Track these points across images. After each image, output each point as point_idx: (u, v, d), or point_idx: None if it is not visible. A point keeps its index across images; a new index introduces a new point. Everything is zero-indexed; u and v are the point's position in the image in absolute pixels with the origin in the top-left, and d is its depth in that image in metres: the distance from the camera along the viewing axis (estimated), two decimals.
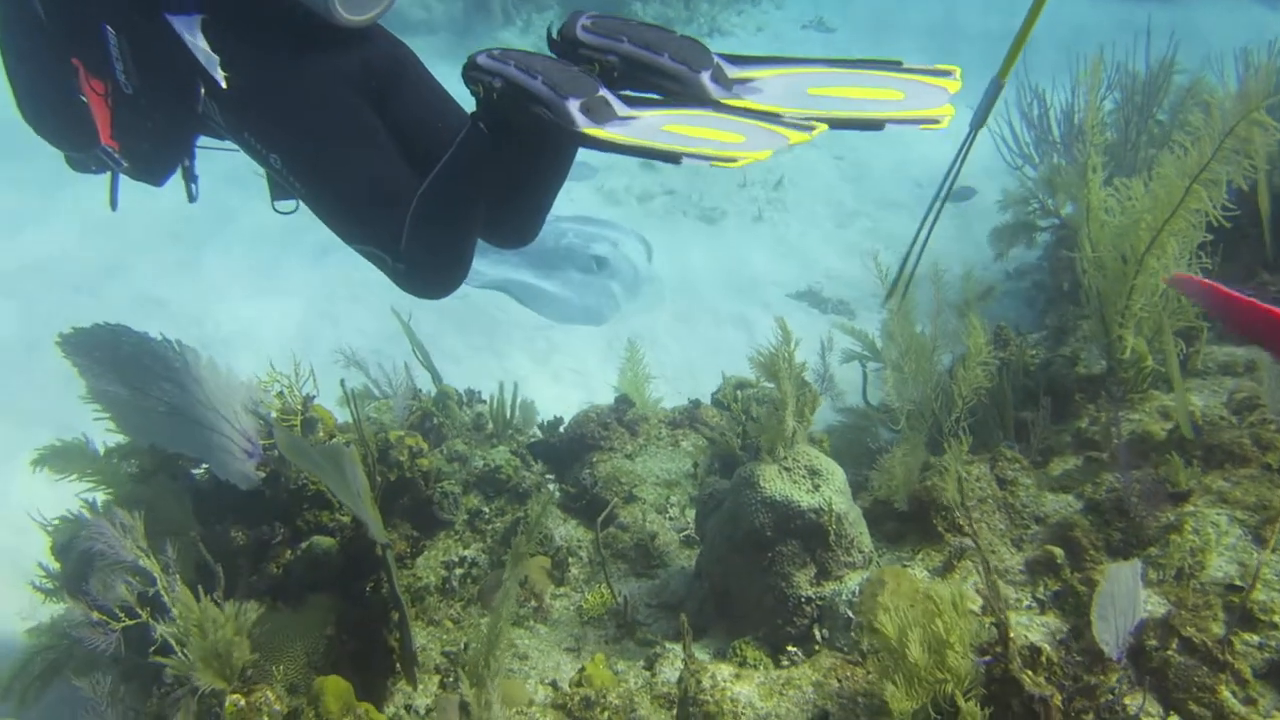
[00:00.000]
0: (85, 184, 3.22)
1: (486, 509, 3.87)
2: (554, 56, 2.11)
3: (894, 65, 2.05)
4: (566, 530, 3.79)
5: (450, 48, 9.39)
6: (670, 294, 6.25)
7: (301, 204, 2.51)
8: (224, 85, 2.26)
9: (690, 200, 7.23)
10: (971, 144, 3.06)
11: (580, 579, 3.65)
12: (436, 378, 4.54)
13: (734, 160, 1.85)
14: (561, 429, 4.22)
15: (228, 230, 6.84)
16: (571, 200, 7.45)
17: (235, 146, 2.46)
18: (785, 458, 3.09)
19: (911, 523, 3.18)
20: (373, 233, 2.33)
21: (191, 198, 2.64)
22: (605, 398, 5.36)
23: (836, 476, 3.03)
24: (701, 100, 2.01)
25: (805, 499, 2.98)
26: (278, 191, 2.62)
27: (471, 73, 2.13)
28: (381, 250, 2.33)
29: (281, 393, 3.66)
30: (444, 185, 2.26)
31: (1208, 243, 3.17)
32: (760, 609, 3.03)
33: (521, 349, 5.81)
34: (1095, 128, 3.65)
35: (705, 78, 2.00)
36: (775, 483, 3.04)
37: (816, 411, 3.22)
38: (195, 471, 3.64)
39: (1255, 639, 2.43)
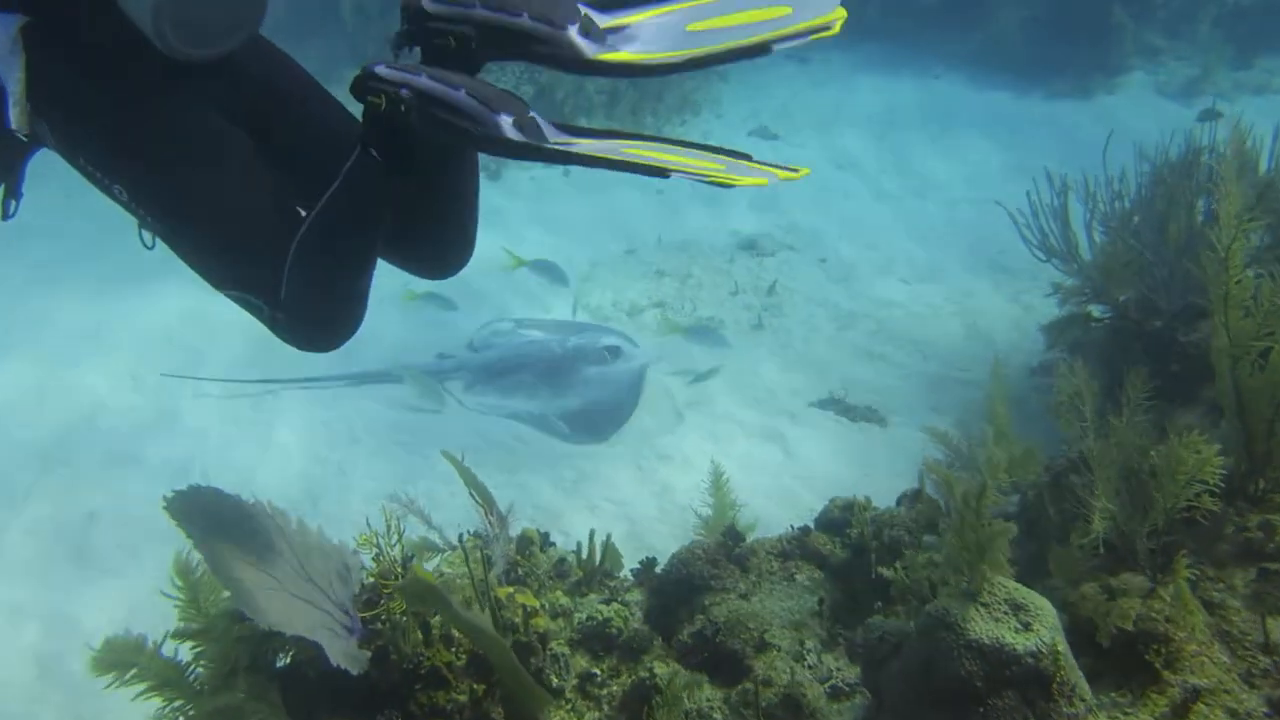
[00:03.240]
0: None
1: (598, 670, 3.44)
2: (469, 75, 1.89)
3: None
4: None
5: None
6: (688, 411, 5.96)
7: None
8: (15, 100, 1.94)
9: (683, 311, 7.02)
10: None
11: None
12: (500, 523, 4.12)
13: (731, 184, 1.77)
14: (658, 570, 3.84)
15: (200, 366, 6.30)
16: (550, 314, 7.15)
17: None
18: (981, 592, 2.80)
19: (1109, 659, 2.91)
20: (245, 277, 2.02)
21: (6, 215, 2.21)
22: (651, 530, 5.02)
23: (1046, 612, 2.75)
24: (573, 59, 1.82)
25: (1019, 641, 2.68)
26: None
27: (370, 83, 1.85)
28: (257, 298, 2.02)
29: (377, 556, 3.21)
30: (328, 224, 1.95)
31: None
32: None
33: (547, 480, 5.41)
34: (1234, 210, 3.54)
35: (573, 33, 1.81)
36: (979, 623, 2.74)
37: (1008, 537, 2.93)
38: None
39: None
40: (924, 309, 6.83)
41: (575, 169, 9.41)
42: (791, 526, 3.89)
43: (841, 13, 1.80)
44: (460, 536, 3.67)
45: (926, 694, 2.80)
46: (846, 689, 3.30)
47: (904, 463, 5.41)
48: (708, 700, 3.36)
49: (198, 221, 2.03)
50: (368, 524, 3.23)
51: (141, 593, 4.60)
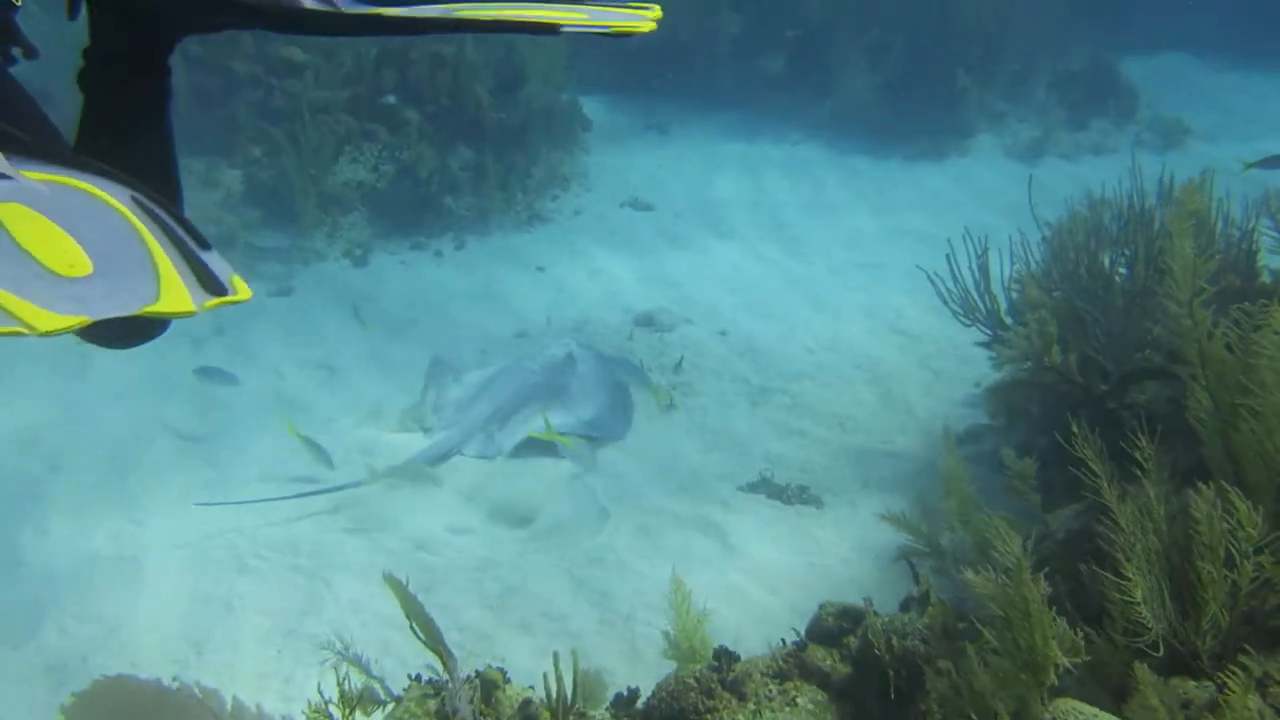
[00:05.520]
0: None
1: None
2: None
3: None
4: None
5: (249, 260, 8.39)
6: (614, 505, 5.52)
7: None
8: None
9: None
10: None
11: None
12: (453, 663, 3.55)
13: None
14: (641, 703, 3.36)
15: (46, 483, 5.45)
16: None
17: None
18: None
19: None
20: None
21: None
22: (597, 647, 4.54)
23: None
24: (288, 11, 1.40)
25: None
26: None
27: None
28: None
29: None
30: None
31: None
32: None
33: (471, 597, 4.83)
34: (1187, 264, 3.43)
35: None
36: None
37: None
38: None
39: None
40: (835, 379, 6.65)
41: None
42: (783, 641, 3.50)
43: (657, 11, 1.49)
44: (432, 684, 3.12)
45: None
46: None
47: (849, 546, 5.15)
48: None
49: None
50: (319, 690, 2.66)
51: None
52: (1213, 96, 12.31)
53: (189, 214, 1.72)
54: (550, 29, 1.44)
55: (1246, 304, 3.45)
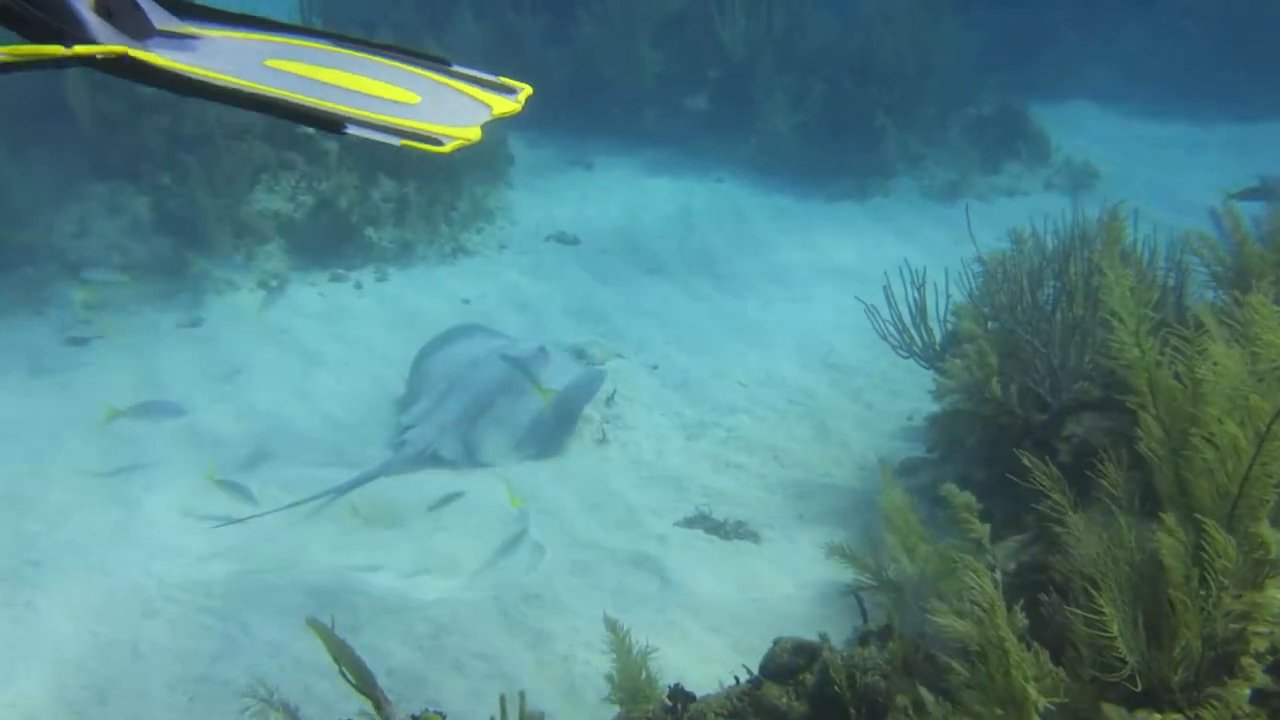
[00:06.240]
0: None
1: None
2: None
3: (440, 64, 1.54)
4: None
5: (163, 291, 8.06)
6: (548, 541, 5.33)
7: None
8: None
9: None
10: None
11: None
12: (389, 708, 3.32)
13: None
14: None
15: None
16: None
17: None
18: None
19: None
20: None
21: None
22: (535, 689, 4.32)
23: None
24: (61, 36, 1.34)
25: None
26: None
27: None
28: None
29: None
30: None
31: None
32: None
33: (398, 639, 4.58)
34: (1127, 293, 3.45)
35: (81, 7, 1.34)
36: None
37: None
38: None
39: None
40: (769, 413, 6.59)
41: None
42: (736, 679, 3.37)
43: (472, 133, 1.37)
44: None
45: None
46: None
47: (790, 581, 5.05)
48: None
49: None
50: None
51: None
52: (1115, 141, 12.75)
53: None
54: (336, 126, 1.33)
55: (1183, 329, 3.46)
